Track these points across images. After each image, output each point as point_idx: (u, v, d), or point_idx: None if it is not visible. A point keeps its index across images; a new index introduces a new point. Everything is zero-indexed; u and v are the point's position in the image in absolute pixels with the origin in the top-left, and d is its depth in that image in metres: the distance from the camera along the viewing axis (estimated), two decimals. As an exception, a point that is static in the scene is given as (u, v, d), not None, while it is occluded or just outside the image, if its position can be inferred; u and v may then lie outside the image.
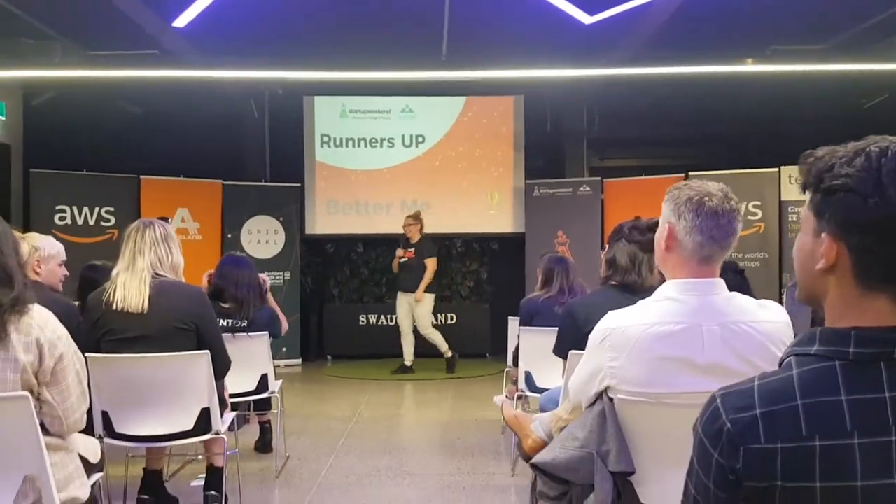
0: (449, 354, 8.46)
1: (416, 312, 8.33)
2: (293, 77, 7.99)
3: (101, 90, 8.15)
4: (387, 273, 10.14)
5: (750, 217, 8.25)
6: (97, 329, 3.27)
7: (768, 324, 2.03)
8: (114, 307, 3.25)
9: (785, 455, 1.06)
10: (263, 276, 4.84)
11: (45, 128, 8.35)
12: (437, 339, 8.52)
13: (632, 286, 2.97)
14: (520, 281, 9.02)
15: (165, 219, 3.57)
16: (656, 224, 3.06)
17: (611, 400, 2.15)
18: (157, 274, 3.33)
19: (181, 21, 5.79)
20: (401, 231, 9.60)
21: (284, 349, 8.56)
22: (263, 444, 5.03)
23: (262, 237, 9.09)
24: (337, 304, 10.04)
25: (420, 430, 5.75)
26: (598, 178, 9.16)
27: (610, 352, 2.10)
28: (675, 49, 7.05)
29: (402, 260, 8.33)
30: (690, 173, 8.01)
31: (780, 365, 1.18)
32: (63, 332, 2.33)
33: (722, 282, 2.09)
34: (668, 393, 2.04)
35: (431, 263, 8.22)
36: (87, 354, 3.20)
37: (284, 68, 7.49)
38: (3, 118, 7.98)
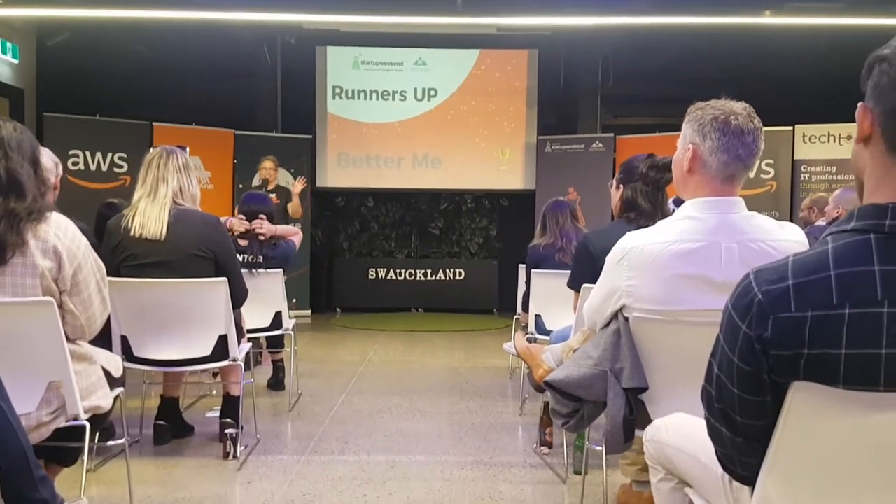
0: None
1: None
2: (307, 19, 7.91)
3: (115, 33, 8.12)
4: (396, 228, 10.20)
5: (762, 175, 8.23)
6: (117, 254, 3.31)
7: (787, 243, 2.05)
8: (132, 233, 3.29)
9: (814, 323, 1.09)
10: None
11: (59, 72, 8.35)
12: None
13: None
14: (529, 238, 8.91)
15: (184, 147, 3.57)
16: (672, 161, 3.06)
17: (626, 319, 2.18)
18: (176, 202, 3.36)
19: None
20: (413, 186, 9.67)
21: (294, 300, 8.59)
22: (276, 382, 5.11)
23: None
24: (346, 258, 10.09)
25: (429, 374, 5.82)
26: (611, 135, 9.12)
27: (627, 271, 2.11)
28: (691, 5, 6.97)
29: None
30: (704, 130, 7.97)
31: None
32: (83, 241, 2.35)
33: (741, 200, 2.09)
34: (685, 310, 2.07)
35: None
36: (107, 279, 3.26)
37: (299, 11, 7.43)
38: (17, 61, 7.97)
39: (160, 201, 3.32)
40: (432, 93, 9.68)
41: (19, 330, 2.26)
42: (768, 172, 8.28)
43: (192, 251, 3.33)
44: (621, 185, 3.11)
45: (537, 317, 4.56)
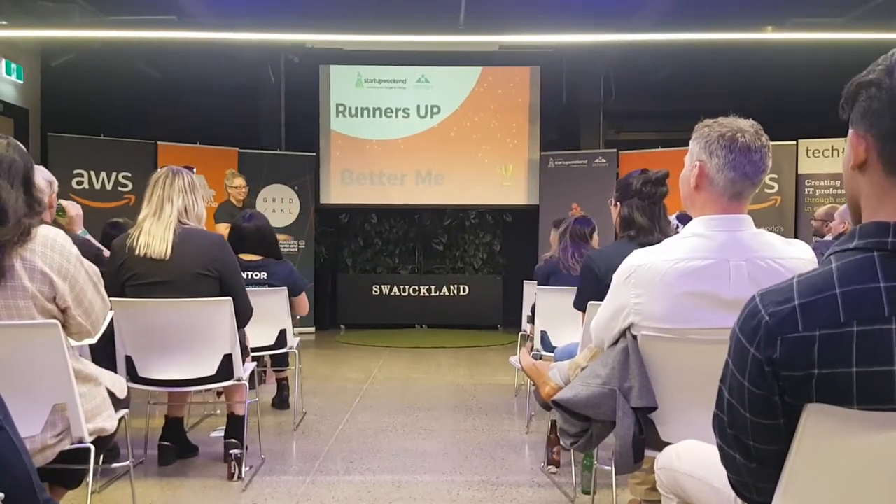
0: None
1: None
2: (311, 39, 7.95)
3: (119, 53, 8.17)
4: (400, 244, 10.20)
5: (766, 190, 8.22)
6: (121, 273, 3.30)
7: (795, 260, 2.03)
8: (136, 252, 3.28)
9: (822, 342, 1.08)
10: None
11: (63, 92, 8.39)
12: None
13: (654, 244, 2.96)
14: (533, 253, 9.04)
15: (191, 168, 3.58)
16: (666, 176, 3.07)
17: (634, 337, 2.16)
18: (181, 222, 3.36)
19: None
20: (416, 202, 9.67)
21: (298, 317, 8.60)
22: (281, 401, 5.09)
23: (278, 206, 9.13)
24: (350, 274, 10.09)
25: (434, 392, 5.79)
26: (614, 150, 9.13)
27: (635, 289, 2.10)
28: (693, 21, 7.00)
29: None
30: (707, 145, 7.98)
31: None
32: (73, 251, 2.30)
33: (749, 218, 2.08)
34: (693, 329, 2.05)
35: None
36: (111, 299, 3.25)
37: (302, 31, 7.47)
38: (21, 81, 8.01)
39: (165, 220, 3.32)
40: (435, 110, 9.72)
41: (24, 352, 2.25)
42: (772, 187, 8.27)
43: (197, 270, 3.32)
44: (618, 203, 3.11)
45: (543, 333, 4.54)
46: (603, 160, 9.09)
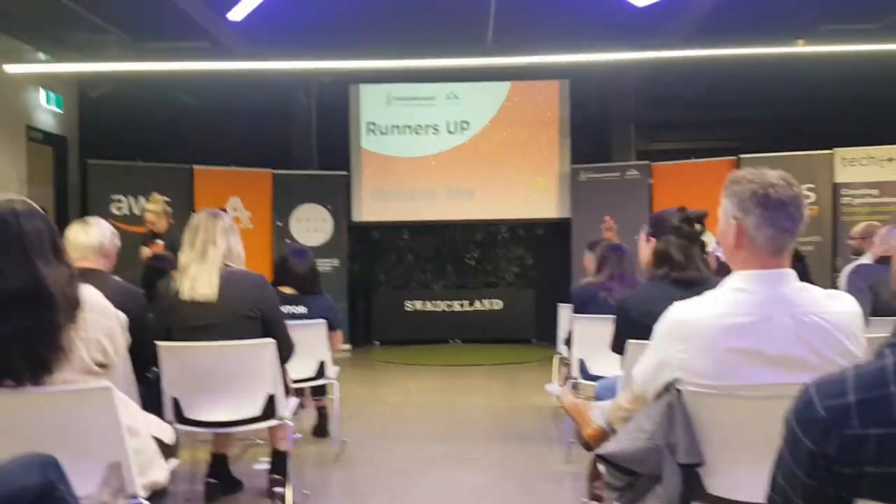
0: None
1: None
2: (341, 67, 8.03)
3: (154, 81, 8.32)
4: (432, 260, 10.24)
5: (803, 200, 8.11)
6: (167, 317, 3.37)
7: (839, 314, 2.01)
8: (183, 297, 3.34)
9: (878, 441, 1.08)
10: None
11: (101, 119, 8.58)
12: None
13: (690, 280, 2.93)
14: (565, 266, 9.02)
15: (224, 210, 3.64)
16: (704, 215, 3.04)
17: (678, 392, 2.16)
18: (225, 264, 3.41)
19: (236, 14, 5.84)
20: (447, 218, 9.70)
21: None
22: (320, 429, 5.14)
23: (311, 225, 9.23)
24: (384, 290, 10.14)
25: (472, 417, 5.80)
26: (646, 163, 9.07)
27: (678, 343, 2.10)
28: (725, 30, 6.94)
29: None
30: (741, 156, 7.90)
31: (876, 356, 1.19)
32: (111, 308, 2.31)
33: (792, 272, 2.07)
34: (739, 385, 2.05)
35: None
36: (157, 343, 3.32)
37: (332, 58, 7.54)
38: (60, 111, 8.20)
39: (210, 264, 3.36)
40: (465, 125, 9.74)
41: (78, 416, 2.30)
42: (809, 197, 8.16)
43: (242, 312, 3.36)
44: (651, 238, 3.09)
45: (581, 361, 4.53)
46: (635, 172, 9.04)
